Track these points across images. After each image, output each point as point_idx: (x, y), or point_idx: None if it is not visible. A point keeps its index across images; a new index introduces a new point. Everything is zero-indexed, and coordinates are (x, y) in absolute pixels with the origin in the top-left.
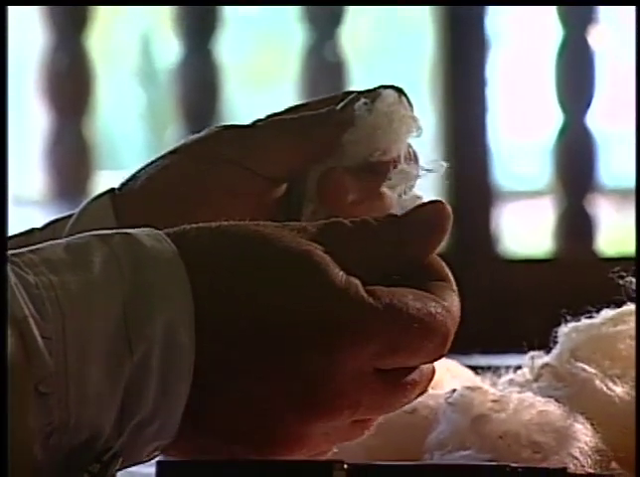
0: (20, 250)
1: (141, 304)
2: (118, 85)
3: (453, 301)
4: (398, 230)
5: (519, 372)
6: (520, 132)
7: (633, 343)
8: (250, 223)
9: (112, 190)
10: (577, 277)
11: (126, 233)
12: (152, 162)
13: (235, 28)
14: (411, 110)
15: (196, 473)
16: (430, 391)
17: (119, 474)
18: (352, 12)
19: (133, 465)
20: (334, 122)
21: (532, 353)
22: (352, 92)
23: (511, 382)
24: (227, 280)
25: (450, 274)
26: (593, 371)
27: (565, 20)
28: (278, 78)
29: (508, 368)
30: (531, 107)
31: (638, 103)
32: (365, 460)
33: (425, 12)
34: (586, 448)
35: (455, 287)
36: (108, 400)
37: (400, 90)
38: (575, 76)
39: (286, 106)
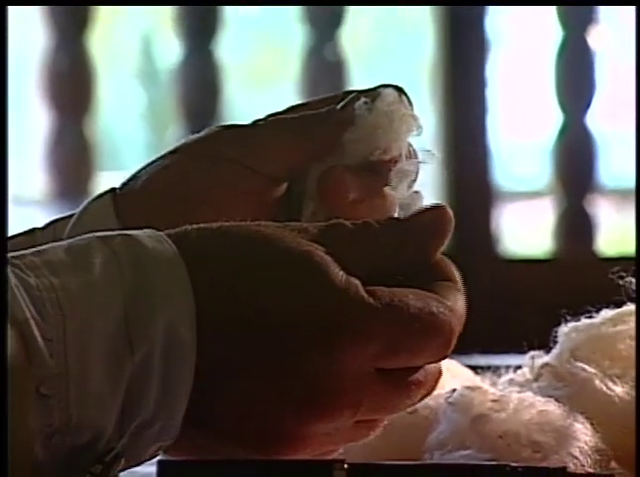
0: (21, 253)
1: (142, 305)
2: (119, 86)
3: (458, 301)
4: (399, 233)
5: (519, 371)
6: (520, 132)
7: (633, 343)
8: (252, 223)
9: (113, 189)
10: (577, 277)
11: (127, 234)
12: (153, 162)
13: (235, 28)
14: (412, 109)
15: (196, 472)
16: None
17: (121, 474)
18: (352, 12)
19: (135, 466)
20: (334, 121)
21: (532, 353)
22: (352, 92)
23: (511, 381)
24: (227, 280)
25: (457, 275)
26: (593, 370)
27: (565, 20)
28: (279, 78)
29: (508, 367)
30: (531, 108)
31: (638, 103)
32: (365, 460)
33: (425, 12)
34: (586, 448)
35: (461, 287)
36: (110, 401)
37: (400, 90)
38: (575, 76)
39: (286, 106)
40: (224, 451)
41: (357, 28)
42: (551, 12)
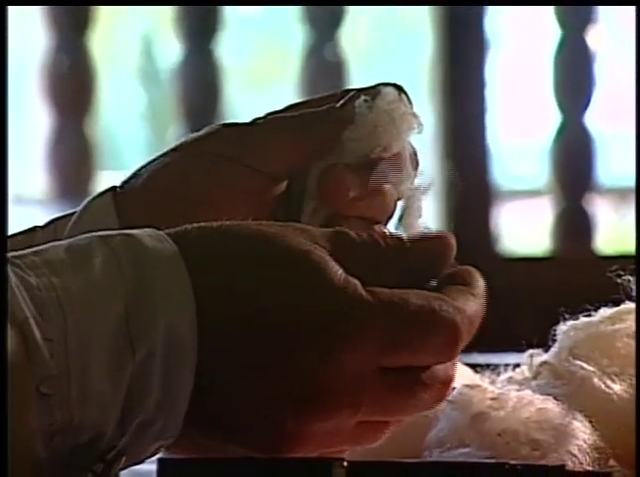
0: (22, 252)
1: (143, 304)
2: (120, 86)
3: (468, 302)
4: (402, 257)
5: (518, 370)
6: (518, 132)
7: (631, 341)
8: (252, 222)
9: (114, 188)
10: (576, 276)
11: (127, 233)
12: (153, 160)
13: (235, 29)
14: (411, 108)
15: (197, 471)
16: None
17: (122, 473)
18: (351, 13)
19: (136, 464)
20: (334, 120)
21: (530, 351)
22: (352, 90)
23: (510, 379)
24: (228, 279)
25: (475, 280)
26: (592, 369)
27: (563, 20)
28: (279, 78)
29: (507, 366)
30: (529, 107)
31: (638, 103)
32: (365, 458)
33: (424, 13)
34: (585, 446)
35: (477, 292)
36: (111, 400)
37: (399, 88)
38: (573, 76)
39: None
40: (224, 450)
41: (356, 28)
42: (549, 12)
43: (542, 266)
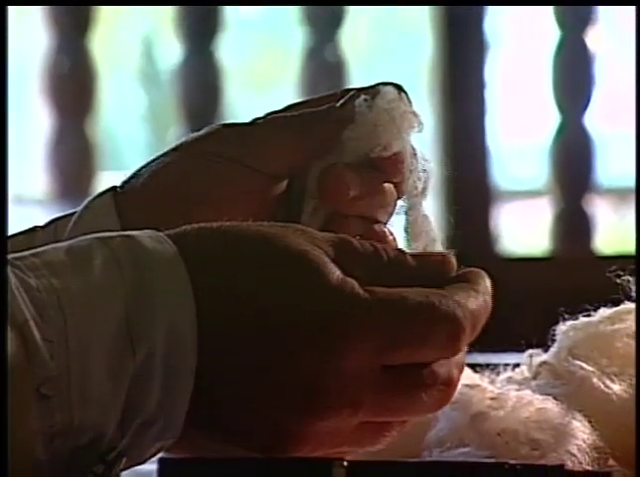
0: (22, 254)
1: (143, 305)
2: (120, 87)
3: (469, 297)
4: (403, 271)
5: (517, 370)
6: (518, 133)
7: (630, 341)
8: (252, 223)
9: (114, 188)
10: (575, 276)
11: (127, 235)
12: (153, 160)
13: (235, 30)
14: (411, 107)
15: (197, 470)
16: None
17: (123, 473)
18: (352, 13)
19: (137, 465)
20: (334, 119)
21: (530, 351)
22: (351, 90)
23: (509, 379)
24: (227, 280)
25: (478, 277)
26: (591, 369)
27: (562, 21)
28: (279, 79)
29: (506, 366)
30: (529, 108)
31: (638, 104)
32: (365, 457)
33: (424, 13)
34: (584, 445)
35: (479, 288)
36: (111, 401)
37: (399, 87)
38: (573, 76)
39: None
40: (224, 450)
41: (356, 28)
42: (548, 13)
43: (541, 267)
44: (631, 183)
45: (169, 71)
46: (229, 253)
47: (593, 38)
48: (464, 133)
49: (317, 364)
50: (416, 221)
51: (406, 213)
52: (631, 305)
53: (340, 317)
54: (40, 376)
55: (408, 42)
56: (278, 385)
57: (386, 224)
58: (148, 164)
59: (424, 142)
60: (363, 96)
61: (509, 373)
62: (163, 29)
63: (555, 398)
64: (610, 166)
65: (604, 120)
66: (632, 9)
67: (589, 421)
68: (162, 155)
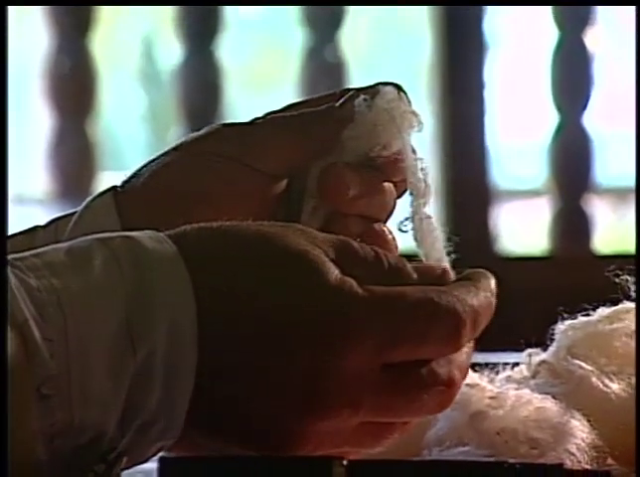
0: (22, 254)
1: (143, 305)
2: (121, 87)
3: (469, 293)
4: (401, 281)
5: (516, 369)
6: (517, 133)
7: (629, 340)
8: (252, 223)
9: (115, 187)
10: (574, 276)
11: (127, 235)
12: (153, 160)
13: (236, 30)
14: (411, 106)
15: (197, 469)
16: None
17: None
18: (351, 13)
19: (138, 464)
20: (333, 119)
21: (529, 350)
22: (351, 90)
23: (508, 379)
24: (227, 280)
25: (480, 276)
26: (590, 368)
27: (561, 21)
28: (279, 80)
29: (505, 365)
30: (528, 108)
31: (638, 104)
32: (364, 456)
33: (423, 14)
34: (583, 444)
35: (481, 285)
36: (112, 401)
37: (398, 87)
38: (571, 76)
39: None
40: (225, 450)
41: (356, 29)
42: (547, 13)
43: (540, 266)
44: (630, 182)
45: (169, 71)
46: (229, 253)
47: (592, 38)
48: (463, 133)
49: (317, 363)
50: (421, 221)
51: (410, 212)
52: (630, 304)
53: (339, 316)
54: (40, 375)
55: (408, 42)
56: (278, 384)
57: (385, 223)
58: (148, 164)
59: (424, 142)
60: (362, 96)
61: (508, 372)
62: (163, 29)
63: (554, 397)
64: (609, 166)
65: (603, 120)
66: (631, 9)
67: (588, 420)
68: (162, 155)
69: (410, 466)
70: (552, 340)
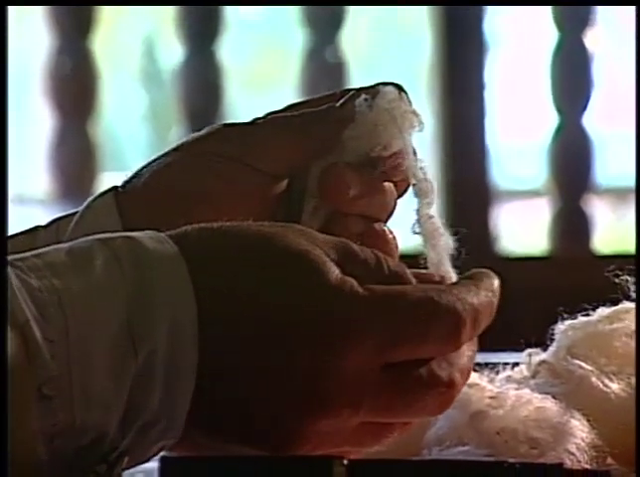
0: (23, 255)
1: (144, 305)
2: (122, 87)
3: (469, 292)
4: (400, 283)
5: (516, 369)
6: (517, 133)
7: (629, 340)
8: (253, 223)
9: (116, 188)
10: (574, 276)
11: (128, 236)
12: (154, 160)
13: (236, 31)
14: (412, 106)
15: (198, 468)
16: None
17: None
18: (352, 14)
19: (139, 465)
20: (334, 119)
21: (529, 350)
22: (351, 90)
23: (508, 378)
24: (228, 280)
25: (482, 275)
26: (590, 368)
27: (561, 22)
28: (279, 80)
29: (505, 365)
30: (527, 108)
31: (638, 104)
32: (364, 456)
33: (423, 14)
34: (583, 444)
35: (482, 285)
36: (113, 401)
37: (399, 87)
38: (571, 77)
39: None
40: (225, 449)
41: (356, 29)
42: (547, 14)
43: (540, 266)
44: (629, 183)
45: (170, 71)
46: (229, 253)
47: (592, 39)
48: (463, 133)
49: (317, 363)
50: (425, 220)
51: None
52: (629, 304)
53: (340, 316)
54: (41, 376)
55: (408, 42)
56: (279, 384)
57: (386, 223)
58: (149, 164)
59: (424, 142)
60: (363, 96)
61: (508, 372)
62: (164, 29)
63: (553, 397)
64: (609, 166)
65: (603, 120)
66: (631, 9)
67: (588, 420)
68: (163, 155)
69: (410, 466)
70: (552, 340)
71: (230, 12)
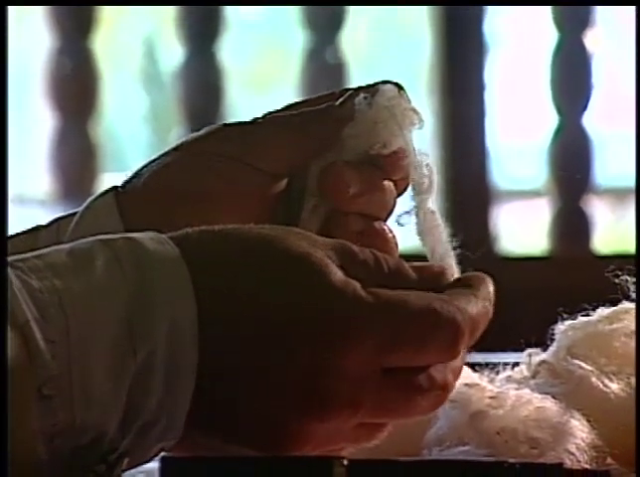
0: (24, 255)
1: (144, 306)
2: (122, 88)
3: (469, 303)
4: (401, 285)
5: (516, 369)
6: (517, 133)
7: (629, 340)
8: (254, 226)
9: (116, 188)
10: (574, 276)
11: (129, 236)
12: (154, 159)
13: (237, 31)
14: (411, 104)
15: (198, 469)
16: None
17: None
18: (351, 15)
19: (139, 465)
20: (333, 118)
21: (529, 350)
22: (350, 89)
23: (508, 378)
24: (229, 281)
25: (479, 283)
26: (590, 368)
27: (561, 23)
28: (280, 81)
29: (506, 365)
30: (527, 109)
31: (638, 104)
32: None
33: (423, 14)
34: (583, 444)
35: (480, 294)
36: (113, 402)
37: (398, 86)
38: (571, 77)
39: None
40: (225, 450)
41: (356, 29)
42: (546, 14)
43: (540, 266)
44: (629, 183)
45: (170, 71)
46: (230, 255)
47: (591, 39)
48: (463, 133)
49: (317, 361)
50: (425, 217)
51: (415, 209)
52: (629, 305)
53: (342, 318)
54: (41, 376)
55: (408, 42)
56: (279, 384)
57: (386, 221)
58: (149, 164)
59: (424, 142)
60: (362, 94)
61: (508, 372)
62: (165, 30)
63: (553, 397)
64: (608, 166)
65: (603, 121)
66: (631, 9)
67: (588, 420)
68: (163, 155)
69: (410, 466)
70: (552, 340)
71: (230, 12)
